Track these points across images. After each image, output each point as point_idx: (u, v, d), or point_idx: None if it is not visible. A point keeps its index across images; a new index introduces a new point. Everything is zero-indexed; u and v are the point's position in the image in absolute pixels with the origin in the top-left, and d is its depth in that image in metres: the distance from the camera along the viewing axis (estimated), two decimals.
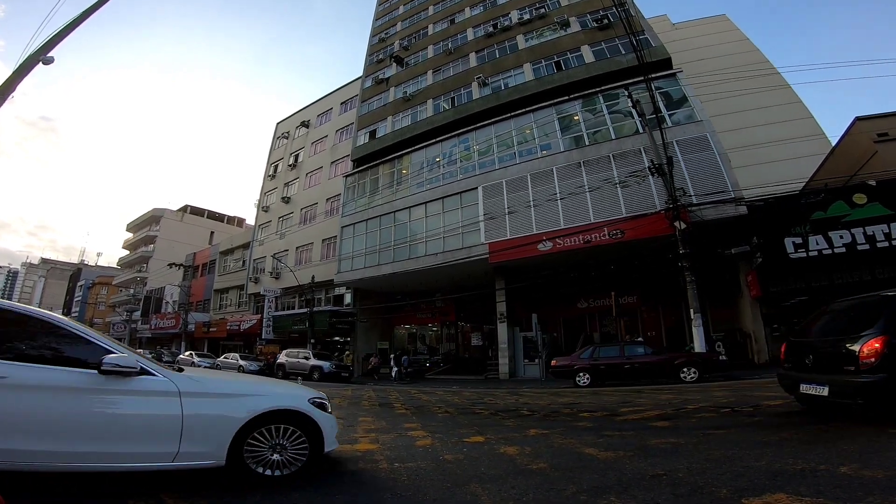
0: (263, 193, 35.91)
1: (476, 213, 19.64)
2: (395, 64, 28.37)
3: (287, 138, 36.27)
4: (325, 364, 20.33)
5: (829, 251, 13.15)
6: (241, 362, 23.65)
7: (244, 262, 34.88)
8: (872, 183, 13.23)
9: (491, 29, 25.17)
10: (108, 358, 3.04)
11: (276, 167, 35.81)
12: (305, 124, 34.88)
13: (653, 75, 15.11)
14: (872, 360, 4.10)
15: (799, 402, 5.37)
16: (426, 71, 26.56)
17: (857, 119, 16.24)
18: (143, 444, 3.14)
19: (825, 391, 4.55)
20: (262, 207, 34.91)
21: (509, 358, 18.94)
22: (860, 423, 4.47)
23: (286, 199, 32.79)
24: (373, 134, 26.76)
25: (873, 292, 5.04)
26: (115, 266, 60.33)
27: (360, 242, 23.47)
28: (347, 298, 25.51)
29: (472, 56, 24.99)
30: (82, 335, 3.21)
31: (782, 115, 24.36)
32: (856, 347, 4.27)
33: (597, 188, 17.12)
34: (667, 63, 18.52)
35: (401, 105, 26.19)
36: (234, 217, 58.64)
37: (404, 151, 23.99)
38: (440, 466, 4.01)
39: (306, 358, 21.03)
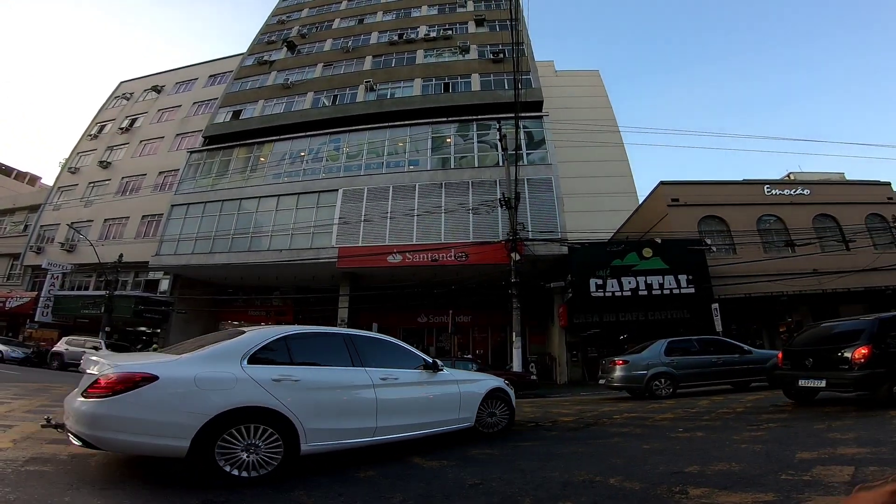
0: (76, 153, 29.69)
1: (331, 216, 19.10)
2: (286, 49, 26.66)
3: (128, 100, 31.30)
4: None
5: (620, 293, 15.89)
6: (1, 347, 18.68)
7: (27, 226, 27.98)
8: (658, 241, 16.50)
9: (396, 38, 25.33)
10: (431, 361, 5.03)
11: (103, 127, 30.32)
12: (157, 89, 30.59)
13: (524, 114, 16.57)
14: (861, 360, 6.18)
15: (790, 396, 7.42)
16: (317, 63, 25.48)
17: (661, 183, 19.15)
18: (445, 413, 4.94)
19: (822, 384, 6.59)
20: (70, 168, 28.71)
21: None
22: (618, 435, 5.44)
23: (105, 164, 27.61)
24: (237, 114, 24.41)
25: (853, 317, 7.66)
26: None
27: (192, 225, 20.80)
28: (164, 285, 22.26)
29: (369, 59, 24.77)
30: (409, 349, 5.11)
31: (612, 171, 29.28)
32: (849, 353, 6.33)
33: (452, 211, 18.17)
34: (538, 105, 20.42)
35: (278, 91, 24.52)
36: (27, 173, 46.89)
37: (269, 139, 22.36)
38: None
39: (95, 348, 17.53)
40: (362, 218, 18.70)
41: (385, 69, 24.20)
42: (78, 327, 22.64)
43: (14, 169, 46.25)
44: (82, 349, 17.61)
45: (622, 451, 4.56)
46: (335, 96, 23.65)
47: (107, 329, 20.19)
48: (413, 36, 25.37)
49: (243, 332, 4.11)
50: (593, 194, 26.26)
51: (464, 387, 5.15)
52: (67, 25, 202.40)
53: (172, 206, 21.67)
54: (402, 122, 20.96)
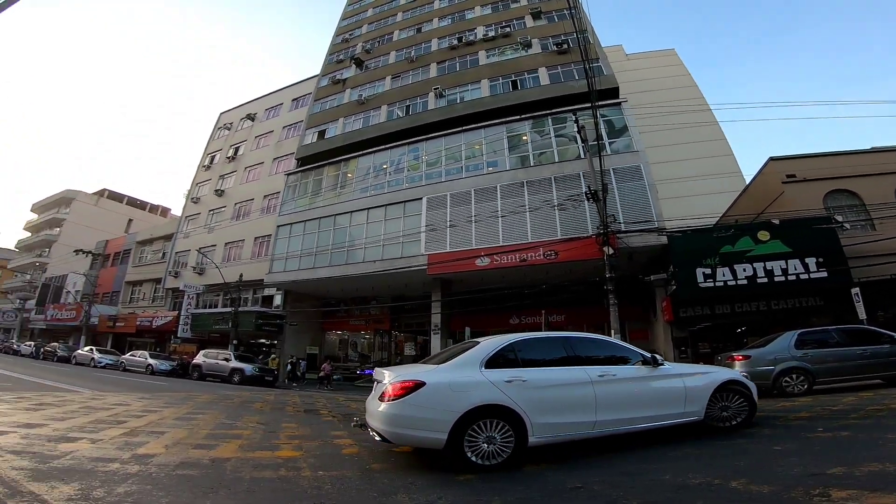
0: (195, 184, 33.71)
1: (418, 224, 19.69)
2: (354, 66, 28.03)
3: (229, 130, 34.59)
4: (248, 367, 19.31)
5: (733, 282, 14.39)
6: (151, 361, 21.89)
7: (164, 254, 32.45)
8: (776, 222, 14.70)
9: (455, 42, 25.57)
10: (651, 357, 5.07)
11: (214, 158, 33.93)
12: (251, 117, 33.50)
13: (600, 103, 15.77)
14: None
15: None
16: (385, 76, 26.44)
17: (771, 159, 17.36)
18: (668, 408, 4.92)
19: None
20: (192, 198, 32.74)
21: None
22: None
23: (220, 192, 31.01)
24: (321, 134, 26.15)
25: None
26: (12, 248, 53.63)
27: (297, 243, 22.68)
28: (277, 300, 24.45)
29: (433, 66, 25.23)
30: (627, 346, 5.29)
31: (707, 151, 26.79)
32: None
33: (536, 209, 17.82)
34: (614, 92, 19.50)
35: (354, 108, 25.84)
36: (158, 206, 54.43)
37: (352, 155, 23.63)
38: (367, 475, 3.97)
39: (227, 359, 19.85)
40: (448, 223, 19.03)
41: (451, 74, 24.42)
42: (211, 341, 25.46)
43: (147, 203, 53.93)
44: (216, 360, 20.09)
45: (746, 451, 4.20)
46: (407, 106, 24.31)
47: (234, 342, 22.73)
48: (472, 38, 25.34)
49: (478, 342, 4.89)
50: (690, 178, 24.10)
51: (689, 380, 5.14)
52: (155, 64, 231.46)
53: (278, 226, 23.78)
54: (476, 125, 20.99)
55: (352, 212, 21.83)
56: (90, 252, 33.42)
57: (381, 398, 4.35)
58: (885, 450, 3.80)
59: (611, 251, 14.19)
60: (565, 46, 21.46)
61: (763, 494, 2.96)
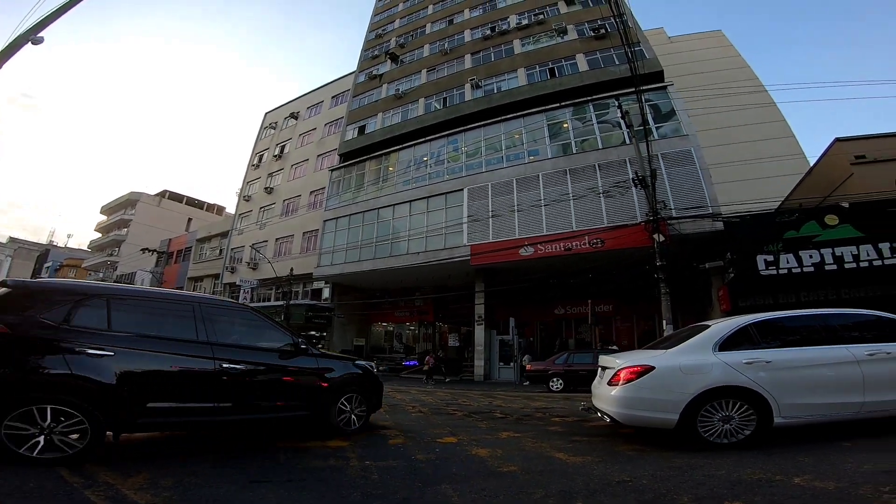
0: (246, 182, 35.31)
1: (460, 215, 19.67)
2: (389, 61, 28.23)
3: (275, 129, 35.83)
4: None
5: (799, 270, 13.47)
6: None
7: (221, 250, 34.21)
8: (845, 205, 13.58)
9: (489, 32, 25.25)
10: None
11: (262, 157, 35.32)
12: (294, 116, 34.52)
13: (644, 87, 15.21)
14: None
15: None
16: (420, 70, 26.51)
17: (837, 140, 16.25)
18: None
19: None
20: (244, 197, 34.32)
21: (485, 360, 19.06)
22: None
23: (269, 190, 32.31)
24: (362, 129, 26.60)
25: None
26: (85, 249, 58.47)
27: (342, 237, 23.28)
28: (326, 293, 25.26)
29: (468, 58, 25.03)
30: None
31: (765, 133, 25.06)
32: None
33: (581, 196, 17.35)
34: (658, 76, 18.77)
35: (392, 102, 26.07)
36: (214, 205, 57.45)
37: (392, 149, 23.90)
38: (412, 466, 4.02)
39: None
40: (490, 214, 18.90)
41: (486, 65, 24.08)
42: None
43: (204, 202, 56.99)
44: None
45: (815, 448, 3.95)
46: (444, 99, 24.26)
47: None
48: (505, 27, 24.84)
49: (709, 326, 4.91)
50: (748, 162, 22.56)
51: None
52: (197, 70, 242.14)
53: (324, 221, 24.51)
54: (515, 115, 20.64)
55: (394, 205, 22.13)
56: (155, 250, 35.81)
57: (611, 382, 4.66)
58: None
59: (661, 238, 13.62)
60: (602, 31, 20.68)
61: (829, 492, 2.79)
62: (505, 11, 25.93)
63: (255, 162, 35.59)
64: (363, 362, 6.02)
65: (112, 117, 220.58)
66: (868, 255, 12.79)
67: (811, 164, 19.46)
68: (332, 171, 26.13)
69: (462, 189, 20.07)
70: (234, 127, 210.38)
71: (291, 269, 25.17)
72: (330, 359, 5.46)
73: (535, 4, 25.02)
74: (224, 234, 34.75)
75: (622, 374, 4.59)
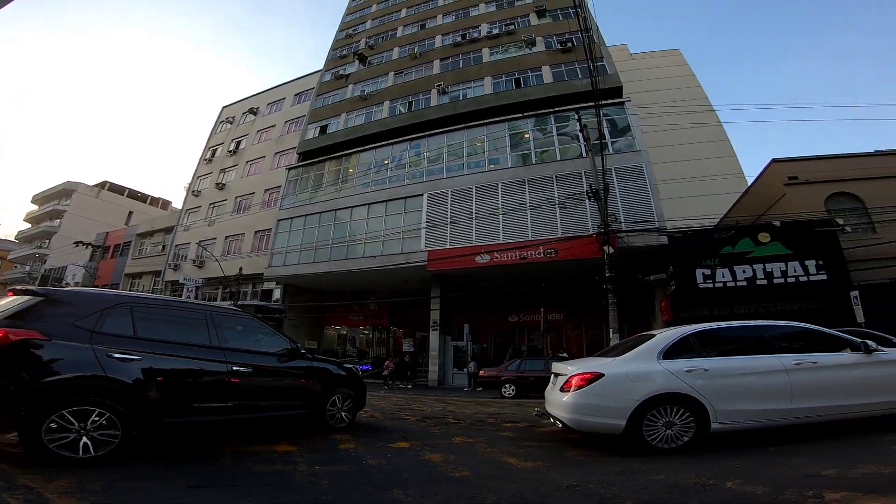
0: (196, 177, 33.73)
1: (419, 220, 19.67)
2: (357, 61, 28.00)
3: (231, 123, 34.60)
4: None
5: (733, 284, 14.34)
6: None
7: (164, 246, 32.42)
8: (777, 224, 14.62)
9: (459, 39, 25.54)
10: (860, 343, 4.82)
11: (215, 152, 33.89)
12: (253, 111, 33.52)
13: (603, 102, 15.73)
14: None
15: None
16: (388, 72, 26.43)
17: (774, 161, 17.14)
18: (891, 395, 4.67)
19: None
20: (193, 192, 32.73)
21: (439, 366, 19.08)
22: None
23: (221, 186, 31.02)
24: (323, 129, 26.16)
25: None
26: (12, 240, 53.70)
27: (297, 237, 22.67)
28: (276, 294, 24.47)
29: (437, 63, 25.20)
30: (832, 333, 5.03)
31: (711, 152, 26.74)
32: None
33: (537, 207, 17.79)
34: (618, 91, 19.42)
35: (357, 103, 25.82)
36: (159, 199, 54.38)
37: (354, 150, 23.61)
38: (363, 471, 3.98)
39: None
40: (448, 220, 19.01)
41: (454, 71, 24.38)
42: None
43: (149, 195, 53.91)
44: None
45: (746, 453, 4.19)
46: (410, 102, 24.31)
47: None
48: (476, 35, 25.28)
49: (654, 335, 5.12)
50: (692, 179, 24.00)
51: None
52: (165, 63, 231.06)
53: (278, 220, 23.78)
54: (478, 122, 20.94)
55: (352, 207, 21.82)
56: (90, 244, 33.39)
57: (563, 389, 4.81)
58: (881, 452, 3.82)
59: (611, 250, 14.15)
60: (569, 45, 21.39)
61: (758, 496, 2.96)
62: (477, 20, 26.39)
63: (207, 156, 34.07)
64: (349, 365, 6.63)
65: (57, 105, 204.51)
66: (795, 271, 13.89)
67: (749, 184, 20.85)
68: (290, 169, 25.46)
69: (422, 194, 20.08)
70: (189, 121, 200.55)
71: (241, 269, 24.21)
72: (322, 361, 6.03)
73: (507, 15, 25.62)
74: (168, 230, 32.98)
75: (574, 381, 4.73)
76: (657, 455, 4.25)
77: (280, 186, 25.65)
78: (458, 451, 4.88)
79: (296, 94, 32.05)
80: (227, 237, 28.42)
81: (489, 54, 24.08)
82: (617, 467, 3.95)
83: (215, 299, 26.76)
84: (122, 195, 50.98)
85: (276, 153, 29.79)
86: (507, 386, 13.86)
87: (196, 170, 34.25)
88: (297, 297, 24.02)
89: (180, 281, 26.76)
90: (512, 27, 24.58)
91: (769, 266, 14.14)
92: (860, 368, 4.74)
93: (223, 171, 32.09)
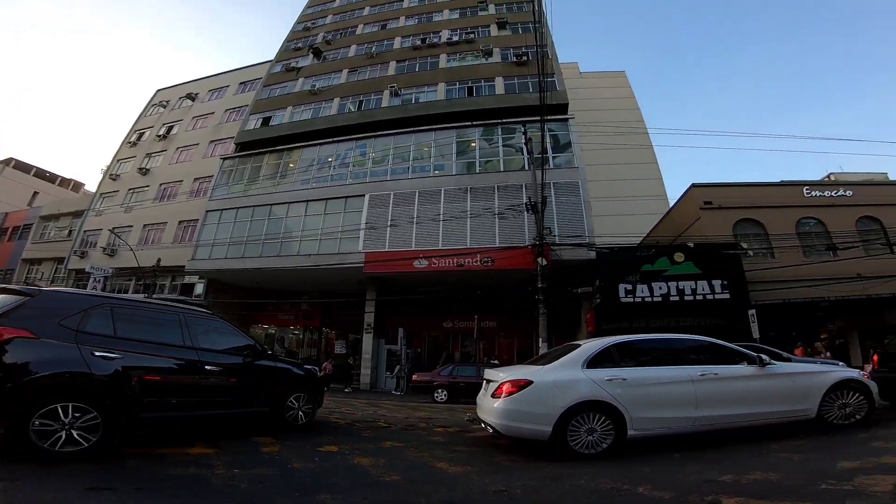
0: (116, 160, 30.98)
1: (358, 220, 19.33)
2: (312, 55, 27.27)
3: (165, 107, 32.40)
4: None
5: (650, 299, 15.46)
6: None
7: (71, 231, 29.39)
8: (691, 245, 16.00)
9: (419, 42, 25.55)
10: (756, 357, 5.25)
11: (142, 135, 31.52)
12: (192, 97, 31.56)
13: (549, 117, 16.31)
14: None
15: (887, 398, 6.90)
16: (342, 69, 25.93)
17: (693, 186, 18.48)
18: (775, 405, 5.13)
19: None
20: (111, 175, 30.00)
21: (371, 369, 18.82)
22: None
23: (144, 171, 28.76)
24: (266, 120, 25.17)
25: None
26: None
27: (226, 230, 21.44)
28: (199, 289, 22.96)
29: (393, 64, 25.06)
30: (732, 347, 5.44)
31: (641, 174, 28.66)
32: None
33: (477, 215, 18.12)
34: (564, 108, 20.19)
35: (305, 97, 25.05)
36: (71, 180, 49.16)
37: (297, 145, 22.85)
38: (288, 475, 3.85)
39: None
40: (389, 223, 18.86)
41: (409, 74, 24.40)
42: None
43: (59, 176, 48.64)
44: None
45: (655, 459, 4.49)
46: (360, 102, 23.99)
47: None
48: (436, 40, 25.53)
49: (579, 345, 5.37)
50: (622, 198, 25.68)
51: (798, 379, 5.38)
52: (102, 38, 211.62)
53: (207, 211, 22.36)
54: (427, 127, 21.02)
55: (290, 203, 21.03)
56: None
57: (495, 395, 4.94)
58: (768, 460, 4.20)
59: (544, 262, 14.69)
60: (524, 58, 22.14)
61: (665, 501, 3.16)
62: (439, 25, 26.56)
63: (132, 139, 31.57)
64: (309, 366, 6.98)
65: None
66: (703, 289, 15.23)
67: (671, 206, 22.57)
68: (225, 159, 24.12)
69: (364, 195, 19.77)
70: (117, 104, 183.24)
71: (159, 260, 22.50)
72: (283, 362, 6.37)
73: (468, 23, 26.07)
74: (78, 214, 29.95)
75: (504, 388, 4.86)
76: (579, 460, 4.46)
77: (212, 176, 24.20)
78: (388, 455, 4.86)
79: (241, 83, 30.65)
80: (145, 225, 26.32)
81: (446, 60, 24.33)
82: (542, 472, 4.10)
83: (126, 291, 24.64)
84: (29, 174, 45.61)
85: (211, 141, 28.23)
86: (440, 391, 13.95)
87: (117, 152, 31.51)
88: (223, 293, 22.65)
89: (87, 270, 24.36)
90: (472, 36, 25.03)
91: (681, 284, 15.38)
92: (755, 380, 5.18)
93: (149, 155, 29.87)
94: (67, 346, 3.98)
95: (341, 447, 5.16)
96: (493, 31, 25.19)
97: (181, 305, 6.00)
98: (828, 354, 14.30)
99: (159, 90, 34.29)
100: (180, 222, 25.27)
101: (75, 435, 3.76)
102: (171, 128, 30.66)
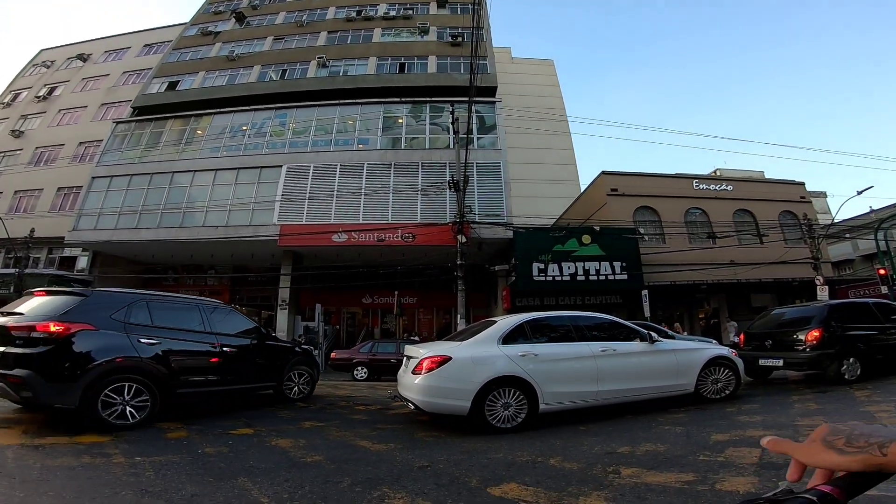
0: None
1: (273, 192, 18.27)
2: (234, 20, 25.11)
3: (48, 68, 28.52)
4: None
5: (560, 278, 16.59)
6: None
7: None
8: (597, 228, 17.30)
9: (354, 14, 24.44)
10: (647, 334, 5.67)
11: (18, 95, 27.59)
12: (83, 57, 27.93)
13: (478, 99, 16.46)
14: (814, 342, 7.09)
15: (750, 375, 7.60)
16: (267, 36, 24.21)
17: (603, 173, 19.89)
18: (662, 380, 5.59)
19: (780, 363, 7.49)
20: None
21: None
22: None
23: (17, 133, 25.08)
24: (173, 85, 22.90)
25: (806, 303, 9.95)
26: None
27: (116, 199, 19.18)
28: (82, 262, 20.50)
29: (323, 35, 23.79)
30: (628, 324, 5.91)
31: (558, 159, 30.09)
32: (803, 335, 7.26)
33: (400, 191, 17.95)
34: (492, 91, 20.45)
35: (221, 63, 23.08)
36: None
37: (207, 111, 20.98)
38: (199, 460, 3.68)
39: None
40: (307, 196, 18.05)
41: (340, 46, 23.36)
42: None
43: None
44: None
45: (564, 432, 4.79)
46: (284, 71, 22.61)
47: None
48: (372, 14, 24.60)
49: (496, 321, 5.53)
50: (539, 181, 26.90)
51: (681, 356, 5.76)
52: None
53: (93, 178, 19.83)
54: (354, 101, 20.31)
55: (196, 171, 19.30)
56: None
57: (415, 372, 4.94)
58: (656, 432, 4.64)
59: (464, 240, 14.99)
60: (460, 39, 21.97)
61: (574, 471, 3.42)
62: None
63: (6, 100, 27.52)
64: (306, 346, 8.07)
65: None
66: (605, 270, 16.60)
67: (582, 190, 24.09)
68: (118, 123, 21.61)
69: (281, 166, 18.68)
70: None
71: (32, 230, 19.57)
72: (284, 342, 7.49)
73: None
74: None
75: (424, 364, 4.88)
76: (497, 434, 4.68)
77: (101, 141, 21.45)
78: (308, 435, 4.78)
79: (146, 45, 27.65)
80: (17, 192, 23.00)
81: (380, 35, 23.54)
82: (462, 447, 4.26)
83: None
84: None
85: (102, 104, 25.32)
86: (360, 368, 13.90)
87: None
88: (111, 266, 20.34)
89: None
90: (410, 12, 24.36)
91: (587, 264, 16.64)
92: (646, 356, 5.57)
93: (25, 117, 26.29)
94: (120, 335, 4.89)
95: (257, 429, 4.98)
96: (433, 8, 24.75)
97: (197, 298, 6.92)
98: (685, 332, 16.01)
99: (44, 49, 30.31)
100: (59, 189, 22.35)
101: (128, 411, 4.66)
102: (53, 89, 27.25)
